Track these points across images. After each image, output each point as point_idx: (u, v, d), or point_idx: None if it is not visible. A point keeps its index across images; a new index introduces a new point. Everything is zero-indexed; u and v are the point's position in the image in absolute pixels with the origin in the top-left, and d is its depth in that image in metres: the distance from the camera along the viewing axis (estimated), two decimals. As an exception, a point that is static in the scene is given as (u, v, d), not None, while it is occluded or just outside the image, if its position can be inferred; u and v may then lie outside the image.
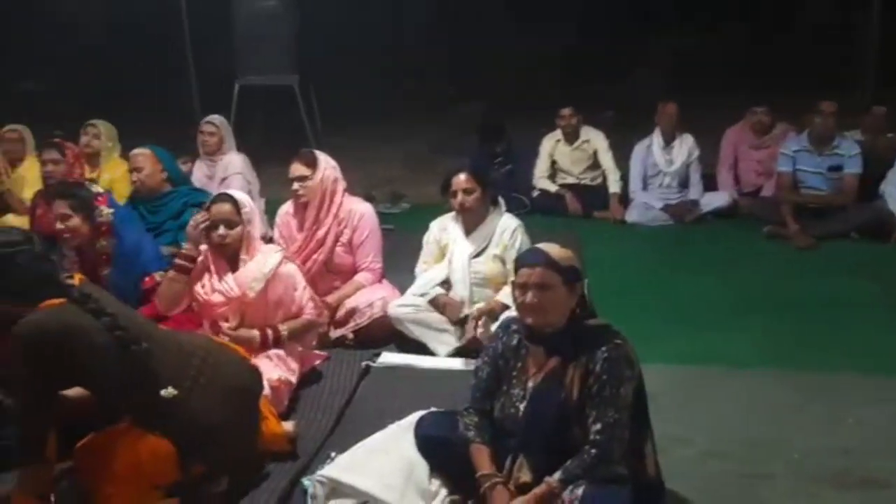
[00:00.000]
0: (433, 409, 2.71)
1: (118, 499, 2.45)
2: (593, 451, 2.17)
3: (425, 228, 3.88)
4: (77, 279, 2.50)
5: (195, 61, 7.65)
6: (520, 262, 2.38)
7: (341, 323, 3.78)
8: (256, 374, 2.76)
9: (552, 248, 2.35)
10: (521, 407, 2.31)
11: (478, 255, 3.63)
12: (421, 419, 2.58)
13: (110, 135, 5.58)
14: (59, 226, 3.48)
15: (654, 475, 2.35)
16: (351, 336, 3.75)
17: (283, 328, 3.18)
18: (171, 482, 2.50)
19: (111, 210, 3.59)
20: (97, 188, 3.76)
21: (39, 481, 2.39)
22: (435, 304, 3.61)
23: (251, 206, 3.24)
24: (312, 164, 3.74)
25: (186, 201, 4.19)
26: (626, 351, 2.26)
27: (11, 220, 5.23)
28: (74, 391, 2.52)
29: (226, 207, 3.14)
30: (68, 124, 5.69)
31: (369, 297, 3.76)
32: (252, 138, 5.97)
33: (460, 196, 3.58)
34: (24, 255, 2.36)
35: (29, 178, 5.39)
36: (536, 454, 2.25)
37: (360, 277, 3.86)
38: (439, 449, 2.46)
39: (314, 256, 3.81)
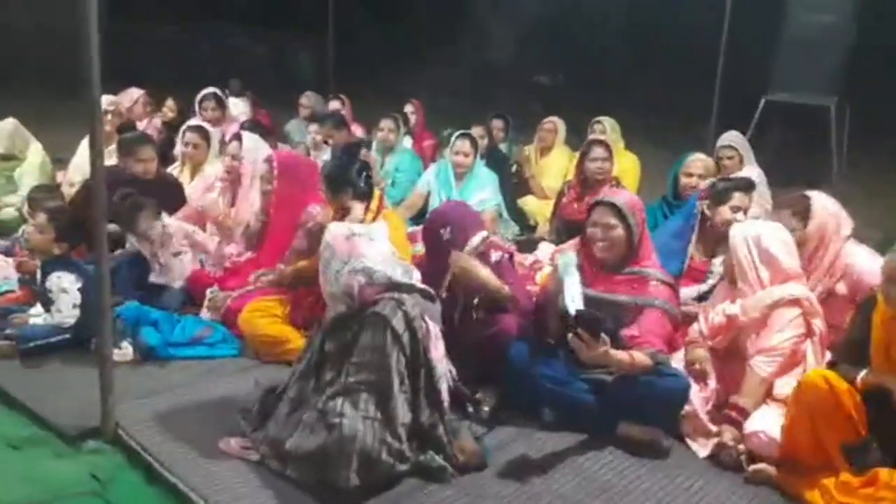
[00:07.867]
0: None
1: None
2: None
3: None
4: None
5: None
6: None
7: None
8: None
9: None
10: None
11: None
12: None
13: (615, 129, 5.85)
14: None
15: None
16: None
17: None
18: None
19: None
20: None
21: None
22: None
23: None
24: (804, 215, 3.32)
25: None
26: None
27: (530, 201, 5.69)
28: None
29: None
30: (576, 118, 5.96)
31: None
32: (765, 157, 5.53)
33: None
34: None
35: (555, 167, 5.86)
36: None
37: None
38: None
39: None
